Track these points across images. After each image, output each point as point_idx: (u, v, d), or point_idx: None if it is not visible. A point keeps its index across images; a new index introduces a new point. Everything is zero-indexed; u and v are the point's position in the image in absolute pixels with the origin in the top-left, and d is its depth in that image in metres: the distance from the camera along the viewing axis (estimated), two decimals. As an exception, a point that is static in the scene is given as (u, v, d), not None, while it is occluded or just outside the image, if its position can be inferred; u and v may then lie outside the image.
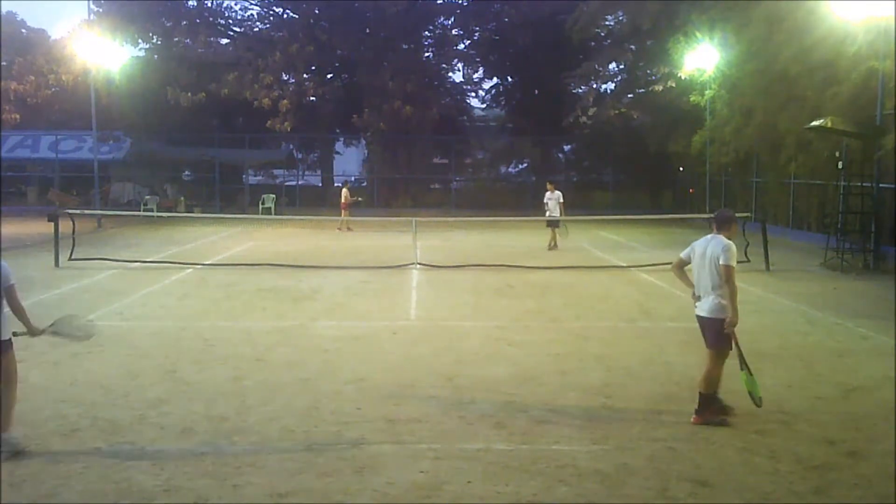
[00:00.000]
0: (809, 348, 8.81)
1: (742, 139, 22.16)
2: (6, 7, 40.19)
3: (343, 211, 24.09)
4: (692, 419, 6.18)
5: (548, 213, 18.56)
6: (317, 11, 35.07)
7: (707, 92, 24.31)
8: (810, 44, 16.96)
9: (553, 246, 18.47)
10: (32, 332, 5.49)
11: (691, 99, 25.24)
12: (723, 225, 6.32)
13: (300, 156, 40.05)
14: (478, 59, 37.74)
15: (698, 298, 6.33)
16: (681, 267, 6.59)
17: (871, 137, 15.56)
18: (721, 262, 6.05)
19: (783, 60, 18.26)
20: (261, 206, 31.44)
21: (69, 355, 8.24)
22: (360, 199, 26.18)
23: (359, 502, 4.79)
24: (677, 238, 21.92)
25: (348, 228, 24.04)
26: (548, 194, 18.57)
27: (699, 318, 6.34)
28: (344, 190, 24.96)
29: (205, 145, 34.88)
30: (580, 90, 33.58)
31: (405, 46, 35.15)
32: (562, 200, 18.46)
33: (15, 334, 5.40)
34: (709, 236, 6.35)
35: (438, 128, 35.00)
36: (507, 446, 5.68)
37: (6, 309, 5.25)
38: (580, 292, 12.59)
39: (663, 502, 4.79)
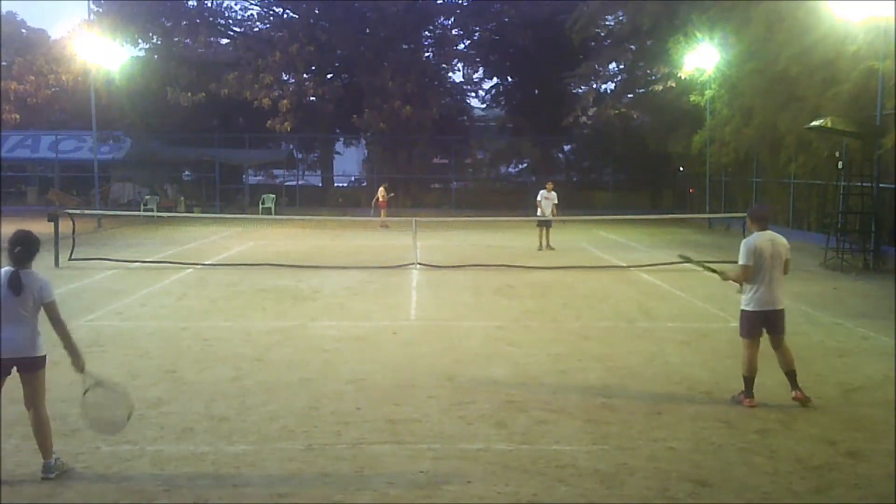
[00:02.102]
0: (809, 348, 8.80)
1: (742, 139, 22.17)
2: (6, 7, 40.19)
3: (381, 210, 24.65)
4: (797, 395, 6.57)
5: (539, 213, 18.45)
6: (317, 11, 35.06)
7: (707, 92, 24.33)
8: (810, 44, 16.96)
9: (547, 247, 18.36)
10: (78, 364, 5.31)
11: (691, 99, 25.25)
12: (769, 220, 6.81)
13: (300, 156, 40.06)
14: (478, 59, 37.73)
15: (759, 295, 6.58)
16: (751, 273, 6.68)
17: (871, 137, 15.56)
18: (788, 257, 6.66)
19: (783, 60, 18.26)
20: (261, 206, 31.44)
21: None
22: (392, 193, 26.39)
23: (359, 502, 4.79)
24: (677, 238, 21.95)
25: (385, 226, 23.84)
26: (543, 192, 18.43)
27: (774, 312, 6.62)
28: (381, 189, 25.45)
29: (205, 145, 34.89)
30: (580, 90, 33.61)
31: (405, 46, 35.15)
32: (556, 202, 18.38)
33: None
34: (765, 234, 6.64)
35: (438, 128, 34.97)
36: (507, 446, 5.68)
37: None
38: (580, 292, 12.59)
39: (663, 502, 4.79)
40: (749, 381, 6.62)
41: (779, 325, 6.69)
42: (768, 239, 6.61)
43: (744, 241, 6.69)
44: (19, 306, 5.05)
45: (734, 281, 6.78)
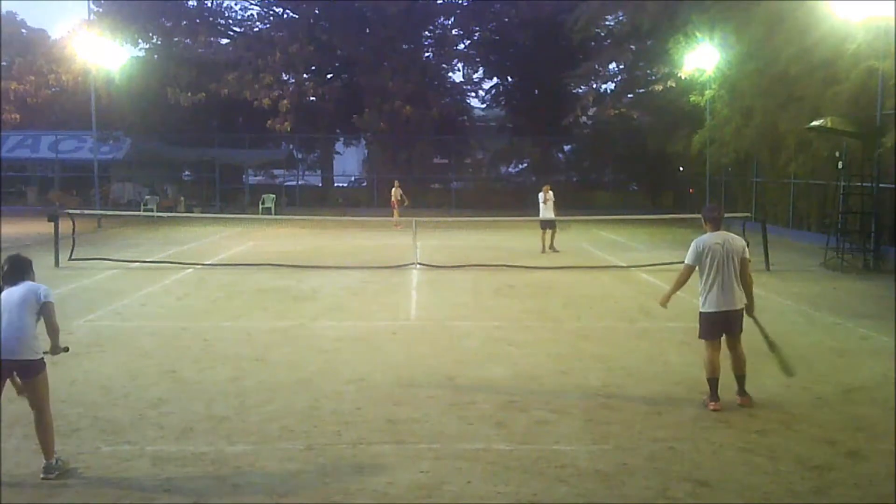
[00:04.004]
0: (809, 348, 8.81)
1: (742, 139, 22.15)
2: (6, 7, 40.02)
3: (394, 210, 24.34)
4: (743, 400, 6.51)
5: (542, 214, 18.29)
6: (317, 11, 35.07)
7: (707, 92, 24.30)
8: (810, 44, 16.95)
9: (551, 248, 18.23)
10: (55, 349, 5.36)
11: (691, 99, 25.21)
12: (722, 221, 6.71)
13: (300, 156, 40.03)
14: (478, 59, 37.73)
15: (714, 296, 6.52)
16: (691, 273, 6.65)
17: (870, 137, 15.55)
18: (746, 256, 6.56)
19: (783, 60, 18.25)
20: (261, 206, 31.43)
21: (69, 355, 8.20)
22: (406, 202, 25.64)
23: (359, 502, 4.79)
24: (677, 238, 21.91)
25: (395, 225, 23.22)
26: (541, 196, 18.28)
27: (729, 313, 6.52)
28: (394, 189, 25.09)
29: (205, 145, 34.86)
30: (580, 90, 33.59)
31: (405, 46, 35.15)
32: (552, 200, 18.18)
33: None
34: (717, 234, 6.59)
35: (438, 128, 34.99)
36: (507, 446, 5.68)
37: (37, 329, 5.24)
38: (580, 292, 12.59)
39: (663, 502, 4.79)
40: (713, 382, 6.54)
41: (736, 326, 6.60)
42: (720, 239, 6.54)
43: (693, 240, 6.66)
44: (18, 313, 5.05)
45: (670, 292, 6.83)
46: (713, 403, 6.48)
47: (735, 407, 6.54)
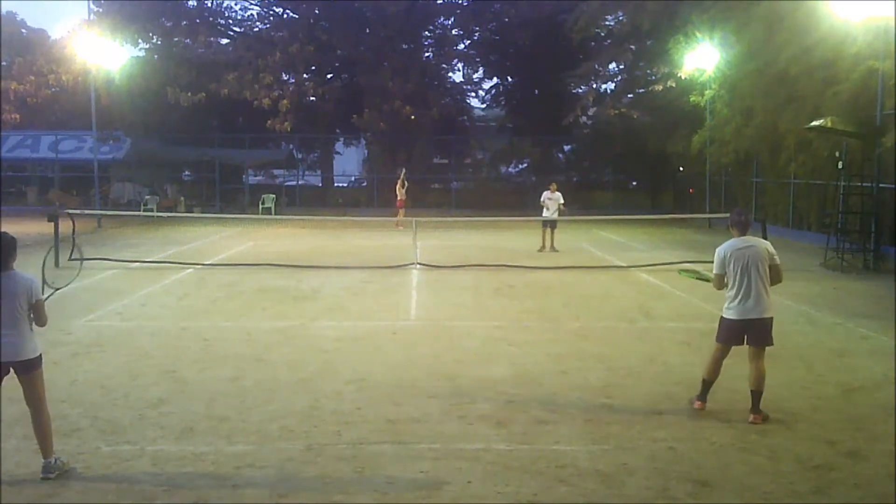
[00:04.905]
0: (809, 348, 8.82)
1: (742, 139, 22.17)
2: (6, 7, 40.09)
3: (399, 210, 23.82)
4: (753, 419, 6.14)
5: (545, 213, 18.33)
6: (317, 11, 35.11)
7: (707, 92, 24.34)
8: (810, 44, 16.98)
9: (551, 248, 18.23)
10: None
11: (691, 99, 25.26)
12: (749, 226, 6.46)
13: (300, 156, 40.08)
14: (478, 59, 37.79)
15: (738, 303, 6.26)
16: (723, 281, 6.43)
17: (870, 137, 15.57)
18: (776, 262, 6.33)
19: (783, 60, 18.27)
20: (261, 206, 31.44)
21: (69, 355, 8.25)
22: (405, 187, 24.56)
23: (359, 502, 4.79)
24: (677, 238, 21.96)
25: (397, 225, 22.79)
26: (547, 193, 18.30)
27: (757, 321, 6.22)
28: (398, 188, 24.37)
29: (205, 145, 34.90)
30: (580, 90, 33.64)
31: (405, 46, 35.19)
32: (562, 201, 18.23)
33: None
34: (742, 240, 6.34)
35: (438, 128, 35.01)
36: (507, 446, 5.68)
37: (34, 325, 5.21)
38: (580, 292, 12.59)
39: (663, 502, 4.79)
40: (706, 384, 6.45)
41: (761, 336, 6.25)
42: (745, 244, 6.28)
43: (717, 248, 6.46)
44: (9, 308, 5.01)
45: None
46: (698, 402, 6.44)
47: (735, 407, 6.52)
